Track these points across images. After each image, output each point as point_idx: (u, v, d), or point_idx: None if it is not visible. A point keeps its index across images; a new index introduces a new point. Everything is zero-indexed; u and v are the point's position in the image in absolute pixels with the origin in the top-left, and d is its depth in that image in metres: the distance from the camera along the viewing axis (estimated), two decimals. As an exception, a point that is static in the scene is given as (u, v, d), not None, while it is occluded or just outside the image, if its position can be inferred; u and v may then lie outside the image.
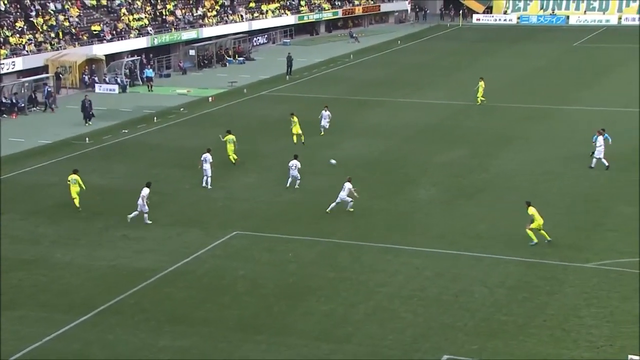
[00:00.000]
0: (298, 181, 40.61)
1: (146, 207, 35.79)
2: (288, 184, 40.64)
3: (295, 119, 49.45)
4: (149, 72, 72.57)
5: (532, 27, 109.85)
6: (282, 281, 29.93)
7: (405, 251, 32.77)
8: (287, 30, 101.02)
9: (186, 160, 45.68)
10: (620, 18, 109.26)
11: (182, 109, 61.16)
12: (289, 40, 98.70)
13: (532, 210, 33.08)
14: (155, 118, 57.93)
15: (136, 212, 35.90)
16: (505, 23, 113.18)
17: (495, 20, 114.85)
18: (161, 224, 36.09)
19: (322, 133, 51.27)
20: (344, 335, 25.72)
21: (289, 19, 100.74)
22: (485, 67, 76.53)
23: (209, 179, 41.16)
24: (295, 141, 48.84)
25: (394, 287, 29.35)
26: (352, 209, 36.83)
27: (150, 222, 35.81)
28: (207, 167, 41.06)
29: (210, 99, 64.72)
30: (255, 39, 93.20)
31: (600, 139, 43.71)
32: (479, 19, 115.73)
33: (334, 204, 36.84)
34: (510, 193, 39.86)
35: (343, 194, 36.68)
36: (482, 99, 59.91)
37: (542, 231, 32.86)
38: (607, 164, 43.33)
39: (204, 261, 31.92)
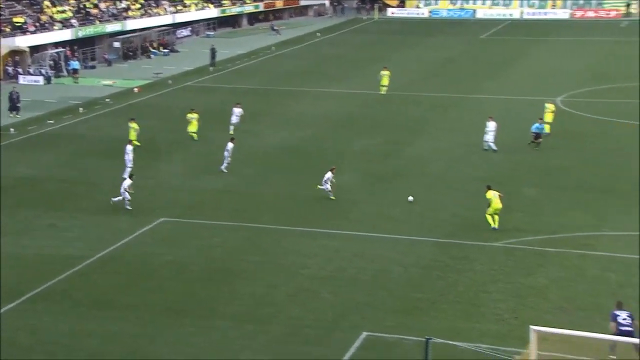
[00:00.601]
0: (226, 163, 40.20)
1: (127, 195, 35.41)
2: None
3: (195, 115, 47.79)
4: (74, 63, 70.97)
5: (442, 20, 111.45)
6: (207, 266, 29.71)
7: (324, 234, 32.88)
8: (210, 22, 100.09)
9: (112, 149, 44.87)
10: (522, 12, 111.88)
11: (107, 100, 60.03)
12: (212, 33, 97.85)
13: (490, 194, 33.01)
14: (80, 109, 56.72)
15: (120, 197, 35.57)
16: (418, 16, 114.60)
17: (409, 13, 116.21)
18: (89, 212, 35.41)
19: (232, 132, 47.38)
20: (267, 316, 25.70)
21: (212, 12, 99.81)
22: (399, 58, 77.21)
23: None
24: (195, 138, 47.04)
25: (314, 269, 29.43)
26: (333, 197, 36.63)
27: (129, 208, 35.39)
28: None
29: (135, 89, 63.69)
30: (179, 31, 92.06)
31: (492, 124, 44.59)
32: (394, 13, 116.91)
33: (321, 187, 36.94)
34: (424, 178, 40.37)
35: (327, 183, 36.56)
36: (384, 86, 60.10)
37: (496, 215, 32.84)
38: (495, 148, 44.26)
39: (131, 248, 31.46)
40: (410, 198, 35.47)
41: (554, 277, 28.31)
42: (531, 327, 19.42)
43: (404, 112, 55.53)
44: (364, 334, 24.37)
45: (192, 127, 47.35)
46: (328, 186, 36.68)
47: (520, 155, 44.17)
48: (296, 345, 23.79)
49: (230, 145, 41.14)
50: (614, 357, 21.36)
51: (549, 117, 48.40)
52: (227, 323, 25.12)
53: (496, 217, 32.87)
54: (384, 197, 37.51)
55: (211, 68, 73.16)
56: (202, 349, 23.54)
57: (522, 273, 28.75)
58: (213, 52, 74.38)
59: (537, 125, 45.01)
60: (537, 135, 44.77)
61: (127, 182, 35.67)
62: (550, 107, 49.21)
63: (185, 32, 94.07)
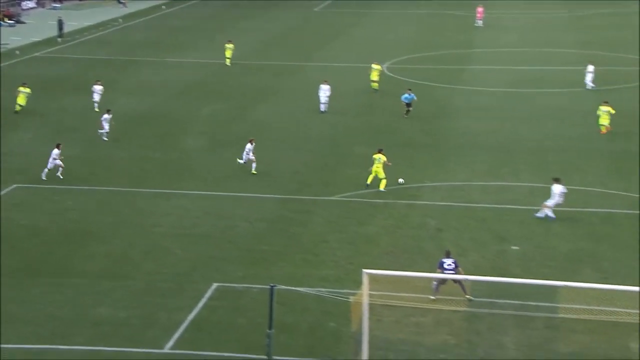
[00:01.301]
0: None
1: (56, 162, 33.63)
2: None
3: (26, 89, 45.01)
4: None
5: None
6: (62, 228, 28.77)
7: (176, 194, 32.57)
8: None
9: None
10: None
11: (-45, 71, 56.18)
12: (58, 5, 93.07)
13: (377, 156, 33.16)
14: None
15: (46, 169, 33.73)
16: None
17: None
18: (-60, 181, 33.34)
19: (97, 109, 44.32)
20: (123, 272, 25.30)
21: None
22: (243, 29, 76.60)
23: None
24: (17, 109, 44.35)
25: (167, 227, 29.16)
26: (255, 172, 34.82)
27: (61, 177, 33.67)
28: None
29: (-18, 60, 59.88)
30: (24, 3, 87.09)
31: (326, 87, 45.33)
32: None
33: (241, 161, 35.05)
34: (267, 140, 40.53)
35: (247, 155, 34.92)
36: (229, 58, 59.59)
37: (384, 180, 32.68)
38: (323, 109, 45.12)
39: (-14, 213, 29.94)
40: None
41: (383, 225, 29.40)
42: (364, 270, 20.11)
43: (247, 80, 55.36)
44: (215, 284, 24.49)
45: (21, 100, 44.79)
46: (250, 156, 34.29)
47: (350, 116, 45.25)
48: (152, 298, 23.61)
49: (106, 116, 39.80)
50: (434, 298, 22.54)
51: (374, 75, 50.41)
52: (83, 281, 24.56)
53: (383, 181, 32.79)
54: (230, 158, 37.48)
55: (59, 39, 69.87)
56: (58, 306, 22.94)
57: (356, 223, 29.65)
58: (60, 24, 70.96)
59: (406, 95, 44.82)
60: (409, 104, 44.47)
61: (56, 152, 33.71)
62: (376, 67, 50.86)
63: (30, 3, 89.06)
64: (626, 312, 20.87)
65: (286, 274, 25.23)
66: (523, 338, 20.86)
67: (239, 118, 44.98)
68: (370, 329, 20.25)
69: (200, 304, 23.19)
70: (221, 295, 23.85)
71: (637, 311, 20.57)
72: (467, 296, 22.54)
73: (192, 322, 22.14)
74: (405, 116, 44.15)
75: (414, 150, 39.17)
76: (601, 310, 21.19)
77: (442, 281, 22.71)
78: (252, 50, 64.37)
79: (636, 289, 20.39)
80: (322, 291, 23.07)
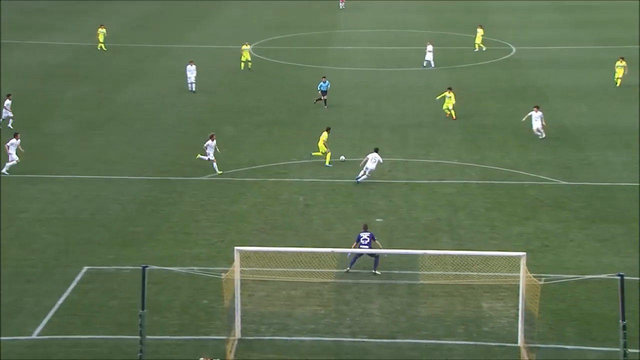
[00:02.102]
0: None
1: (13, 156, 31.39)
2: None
3: None
4: None
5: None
6: None
7: (43, 179, 31.34)
8: None
9: None
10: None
11: None
12: None
13: (324, 136, 33.26)
14: None
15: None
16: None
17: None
18: None
19: None
20: (-12, 260, 24.12)
21: None
22: (108, 12, 74.03)
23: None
24: None
25: (34, 212, 28.04)
26: (220, 172, 32.38)
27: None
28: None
29: None
30: None
31: (192, 67, 44.91)
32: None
33: (202, 157, 32.66)
34: (136, 121, 39.68)
35: None
36: (102, 42, 57.64)
37: (328, 155, 33.02)
38: (192, 89, 44.81)
39: None
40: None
41: (253, 203, 29.43)
42: (235, 248, 20.11)
43: (116, 62, 53.73)
44: (85, 268, 23.82)
45: None
46: (211, 155, 32.13)
47: (219, 97, 44.90)
48: (20, 284, 22.69)
49: (7, 102, 37.86)
50: (348, 269, 22.72)
51: (246, 55, 50.36)
52: (-55, 271, 23.22)
53: (327, 155, 33.14)
54: (99, 141, 36.41)
55: None
56: None
57: (226, 202, 29.53)
58: None
59: (321, 83, 42.71)
60: (324, 93, 42.27)
61: (13, 141, 31.61)
62: (246, 47, 50.94)
63: None
64: (479, 275, 21.97)
65: (158, 254, 24.85)
66: (387, 305, 21.51)
67: (107, 101, 43.65)
68: (243, 304, 20.33)
69: (70, 288, 22.49)
70: (92, 278, 23.21)
71: (489, 274, 21.68)
72: (374, 271, 22.74)
73: (62, 306, 21.46)
74: (325, 107, 41.86)
75: (281, 128, 39.32)
76: (457, 274, 22.19)
77: (358, 254, 22.71)
78: (121, 32, 62.41)
79: (487, 253, 21.49)
80: (195, 269, 22.89)
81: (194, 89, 45.15)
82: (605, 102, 43.88)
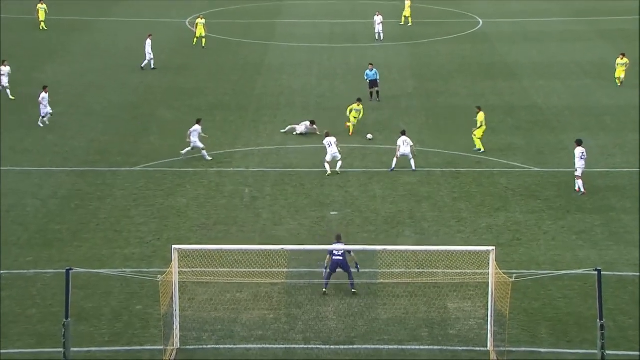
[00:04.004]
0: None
1: None
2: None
3: None
4: None
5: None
6: None
7: (-50, 172, 30.65)
8: None
9: None
10: None
11: None
12: None
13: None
14: None
15: None
16: None
17: None
18: None
19: None
20: None
21: None
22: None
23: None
24: None
25: (-60, 210, 27.41)
26: (210, 158, 32.10)
27: None
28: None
29: None
30: None
31: (149, 43, 44.91)
32: None
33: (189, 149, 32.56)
34: (57, 105, 38.93)
35: None
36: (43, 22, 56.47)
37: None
38: (152, 66, 44.84)
39: None
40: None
41: (193, 196, 29.24)
42: (173, 246, 19.96)
43: (34, 37, 52.81)
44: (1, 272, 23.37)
45: None
46: (197, 142, 32.06)
47: (153, 77, 44.49)
48: None
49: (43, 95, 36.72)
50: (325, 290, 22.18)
51: (200, 30, 50.57)
52: None
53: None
54: (13, 128, 35.75)
55: None
56: None
57: (162, 195, 29.30)
58: None
59: (368, 72, 40.31)
60: (374, 84, 39.90)
61: None
62: (201, 21, 50.94)
63: None
64: (444, 272, 22.20)
65: (85, 255, 24.54)
66: (344, 307, 21.59)
67: (22, 81, 42.81)
68: (182, 310, 20.20)
69: (-17, 297, 22.05)
70: (8, 284, 22.78)
71: (455, 271, 21.91)
72: (354, 290, 22.13)
73: (-26, 317, 21.02)
74: (378, 100, 40.10)
75: (225, 112, 39.15)
76: (420, 272, 22.38)
77: (333, 270, 22.08)
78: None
79: (453, 248, 21.71)
80: (127, 272, 22.66)
81: (152, 66, 45.13)
82: (580, 80, 44.67)
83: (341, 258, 22.05)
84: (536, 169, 31.97)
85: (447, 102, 40.85)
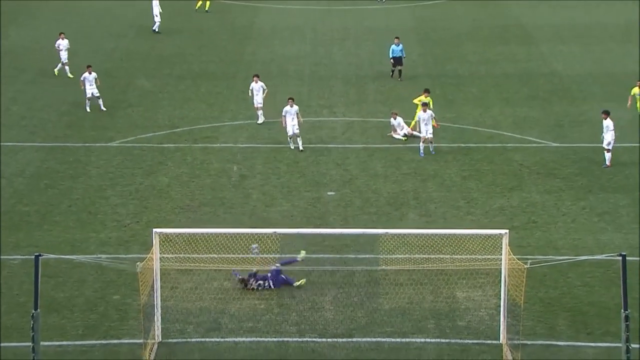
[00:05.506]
0: None
1: None
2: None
3: None
4: None
5: None
6: None
7: None
8: None
9: None
10: None
11: None
12: None
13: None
14: None
15: None
16: None
17: None
18: None
19: None
20: None
21: None
22: None
23: None
24: None
25: None
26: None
27: None
28: None
29: None
30: None
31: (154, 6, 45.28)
32: None
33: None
34: (22, 73, 39.27)
35: None
36: None
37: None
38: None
39: None
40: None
41: (176, 174, 29.30)
42: (154, 230, 20.01)
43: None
44: (-38, 259, 23.43)
45: None
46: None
47: (130, 42, 44.50)
48: None
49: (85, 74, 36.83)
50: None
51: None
52: None
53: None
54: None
55: None
56: None
57: (141, 173, 29.35)
58: None
59: (393, 47, 40.57)
60: (398, 61, 39.08)
61: None
62: None
63: None
64: (452, 258, 22.26)
65: (56, 239, 24.62)
66: (342, 297, 21.68)
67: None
68: (164, 300, 20.28)
69: (-57, 286, 22.11)
70: (-29, 272, 22.86)
71: (464, 257, 21.98)
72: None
73: None
74: (400, 79, 39.16)
75: (210, 82, 39.13)
76: (426, 258, 22.44)
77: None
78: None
79: (463, 231, 21.75)
80: (102, 258, 22.73)
81: (156, 29, 45.63)
82: (604, 44, 44.61)
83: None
84: (554, 144, 32.01)
85: (456, 71, 40.82)
